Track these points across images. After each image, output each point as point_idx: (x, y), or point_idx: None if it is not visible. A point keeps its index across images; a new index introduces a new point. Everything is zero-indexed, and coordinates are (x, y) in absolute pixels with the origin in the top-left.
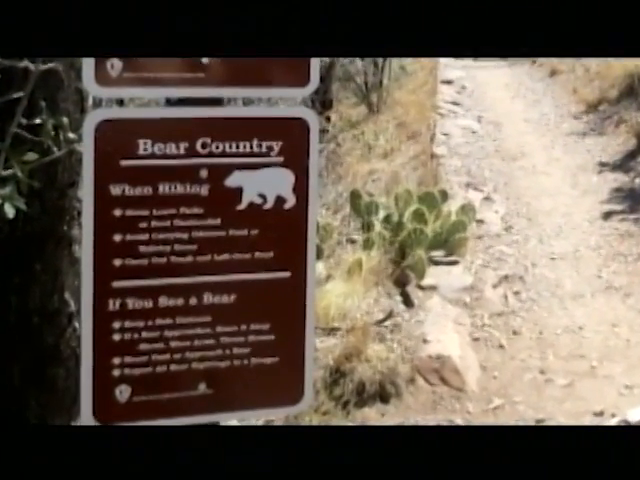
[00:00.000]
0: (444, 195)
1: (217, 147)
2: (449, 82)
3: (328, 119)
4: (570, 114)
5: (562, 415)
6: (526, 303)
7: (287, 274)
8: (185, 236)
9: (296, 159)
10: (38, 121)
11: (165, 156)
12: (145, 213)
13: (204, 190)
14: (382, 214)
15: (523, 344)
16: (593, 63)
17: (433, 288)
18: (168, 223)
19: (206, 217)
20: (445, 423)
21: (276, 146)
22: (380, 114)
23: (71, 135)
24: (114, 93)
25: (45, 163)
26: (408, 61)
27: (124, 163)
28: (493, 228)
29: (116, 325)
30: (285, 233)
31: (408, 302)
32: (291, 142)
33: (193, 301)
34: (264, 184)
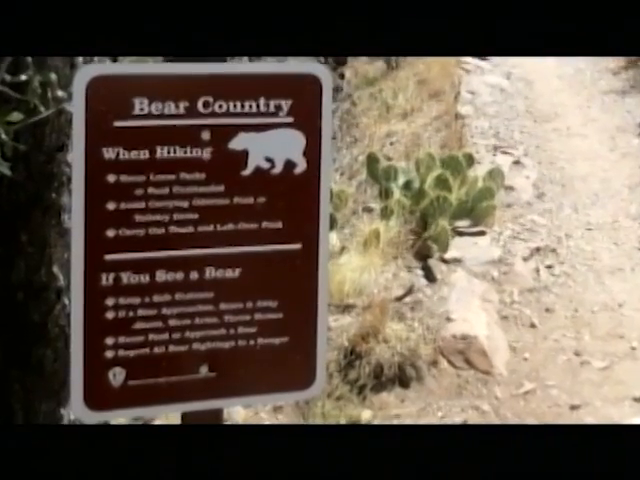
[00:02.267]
0: (470, 159)
1: (220, 106)
2: None
3: (342, 76)
4: (608, 70)
5: (599, 400)
6: (560, 278)
7: (297, 246)
8: (185, 204)
9: (307, 119)
10: (24, 78)
11: (163, 116)
12: (141, 179)
13: (206, 154)
14: (402, 180)
15: (556, 323)
16: None
17: (458, 261)
18: (167, 190)
19: (208, 183)
20: (471, 409)
21: (285, 105)
22: (399, 70)
23: (60, 93)
24: None
25: (31, 124)
26: None
27: (118, 124)
28: (524, 195)
29: (109, 302)
30: (295, 201)
31: (430, 277)
32: (302, 101)
33: (194, 276)
34: (272, 147)
